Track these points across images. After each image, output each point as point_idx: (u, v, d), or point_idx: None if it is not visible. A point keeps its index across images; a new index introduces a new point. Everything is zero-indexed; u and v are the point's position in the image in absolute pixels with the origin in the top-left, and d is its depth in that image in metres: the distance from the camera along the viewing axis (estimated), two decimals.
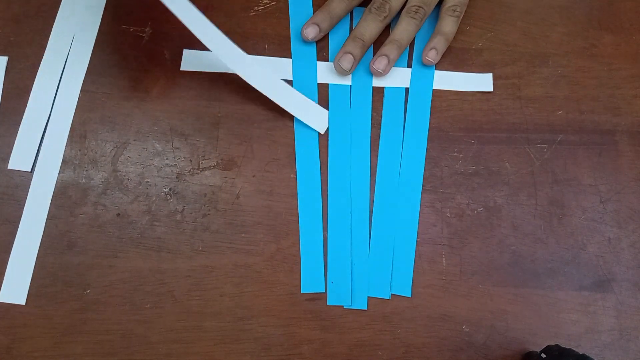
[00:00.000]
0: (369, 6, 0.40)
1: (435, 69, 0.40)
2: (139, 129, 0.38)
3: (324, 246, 0.36)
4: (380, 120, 0.39)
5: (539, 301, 0.35)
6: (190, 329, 0.34)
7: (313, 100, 0.39)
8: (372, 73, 0.39)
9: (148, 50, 0.40)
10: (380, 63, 0.39)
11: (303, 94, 0.38)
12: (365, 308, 0.34)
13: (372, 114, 0.39)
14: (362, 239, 0.36)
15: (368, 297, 0.35)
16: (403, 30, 0.39)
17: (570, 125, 0.39)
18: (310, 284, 0.35)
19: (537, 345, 0.34)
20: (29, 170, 0.37)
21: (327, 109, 0.39)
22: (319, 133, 0.38)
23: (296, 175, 0.37)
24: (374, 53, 0.40)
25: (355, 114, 0.39)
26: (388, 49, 0.39)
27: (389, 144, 0.38)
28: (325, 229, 0.36)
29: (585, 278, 0.36)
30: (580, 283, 0.35)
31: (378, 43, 0.40)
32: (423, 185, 0.37)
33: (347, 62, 0.38)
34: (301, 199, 0.36)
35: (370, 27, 0.39)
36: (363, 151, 0.38)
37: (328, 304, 0.34)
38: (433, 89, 0.40)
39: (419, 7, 0.39)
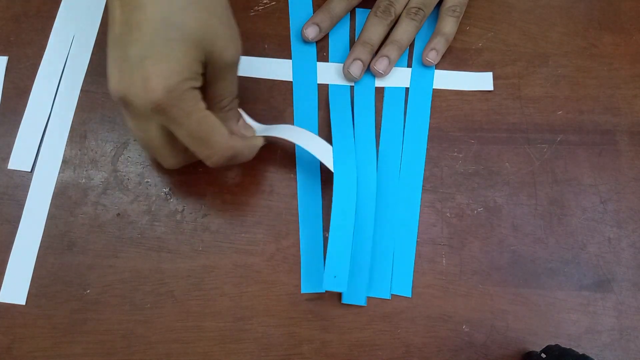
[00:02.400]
0: (374, 10, 0.40)
1: (435, 69, 0.40)
2: None
3: (324, 246, 0.35)
4: (380, 120, 0.39)
5: (539, 301, 0.35)
6: (190, 329, 0.34)
7: (313, 100, 0.39)
8: (372, 74, 0.39)
9: None
10: (381, 64, 0.39)
11: (303, 94, 0.38)
12: (364, 304, 0.34)
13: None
14: (363, 239, 0.36)
15: (368, 297, 0.35)
16: (403, 31, 0.39)
17: (570, 125, 0.39)
18: (310, 284, 0.35)
19: (537, 345, 0.34)
20: (29, 170, 0.37)
21: (328, 109, 0.39)
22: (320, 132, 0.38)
23: (296, 175, 0.37)
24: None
25: (358, 115, 0.38)
26: (389, 49, 0.39)
27: (389, 144, 0.38)
28: (326, 229, 0.36)
29: (585, 278, 0.36)
30: (580, 283, 0.35)
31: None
32: (423, 185, 0.37)
33: (356, 68, 0.38)
34: (301, 199, 0.36)
35: (377, 31, 0.39)
36: (366, 151, 0.38)
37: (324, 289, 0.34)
38: (433, 89, 0.40)
39: (419, 8, 0.39)
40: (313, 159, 0.37)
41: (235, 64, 0.31)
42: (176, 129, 0.29)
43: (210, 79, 0.30)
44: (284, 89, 0.39)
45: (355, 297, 0.34)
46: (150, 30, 0.26)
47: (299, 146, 0.37)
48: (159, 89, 0.26)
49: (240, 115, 0.35)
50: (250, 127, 0.35)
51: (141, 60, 0.26)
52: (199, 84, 0.29)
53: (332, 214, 0.34)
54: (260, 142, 0.34)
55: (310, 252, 0.35)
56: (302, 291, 0.35)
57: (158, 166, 0.37)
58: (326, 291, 0.35)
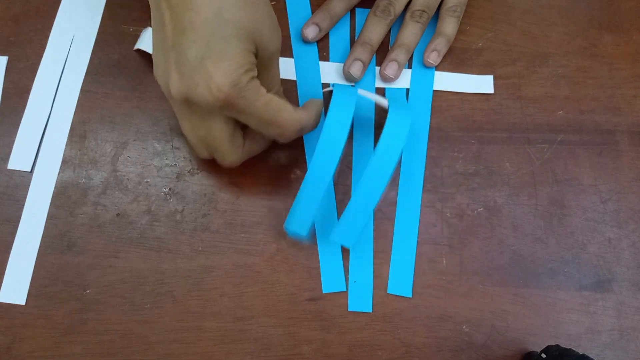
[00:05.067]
0: (373, 9, 0.40)
1: (436, 70, 0.40)
2: (139, 128, 0.38)
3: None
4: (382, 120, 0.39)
5: (539, 301, 0.35)
6: (190, 329, 0.34)
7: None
8: (382, 79, 0.39)
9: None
10: (391, 68, 0.39)
11: (308, 94, 0.38)
12: (370, 310, 0.34)
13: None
14: (365, 239, 0.36)
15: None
16: (410, 34, 0.39)
17: (571, 125, 0.39)
18: (331, 283, 0.35)
19: (537, 345, 0.34)
20: (29, 170, 0.37)
21: (329, 109, 0.38)
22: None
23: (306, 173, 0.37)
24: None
25: (359, 115, 0.38)
26: (397, 53, 0.39)
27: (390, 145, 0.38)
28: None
29: (586, 278, 0.36)
30: (581, 283, 0.35)
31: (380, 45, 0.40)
32: (423, 185, 0.37)
33: (357, 68, 0.38)
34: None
35: (376, 31, 0.39)
36: (366, 151, 0.38)
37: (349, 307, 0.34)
38: (433, 90, 0.40)
39: (423, 11, 0.39)
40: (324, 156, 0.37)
41: (279, 52, 0.32)
42: (245, 118, 0.30)
43: (260, 70, 0.30)
44: (288, 87, 0.39)
45: (361, 304, 0.35)
46: (206, 30, 0.27)
47: (307, 144, 0.37)
48: (225, 86, 0.27)
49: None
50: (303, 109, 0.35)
51: (202, 60, 0.27)
52: (256, 73, 0.29)
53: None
54: (320, 105, 0.34)
55: (328, 251, 0.35)
56: (324, 291, 0.35)
57: (205, 166, 0.37)
58: (327, 292, 0.35)
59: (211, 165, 0.37)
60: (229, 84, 0.27)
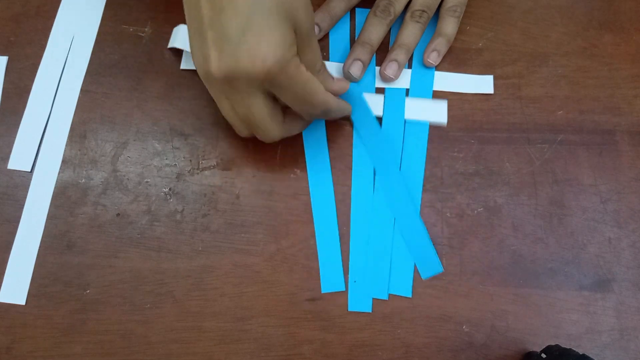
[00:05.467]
0: (373, 9, 0.40)
1: (436, 70, 0.40)
2: (139, 128, 0.38)
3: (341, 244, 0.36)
4: (381, 121, 0.39)
5: (539, 301, 0.35)
6: (190, 329, 0.34)
7: None
8: (382, 79, 0.39)
9: (148, 50, 0.40)
10: (390, 68, 0.39)
11: None
12: (370, 310, 0.34)
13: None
14: (363, 240, 0.36)
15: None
16: (410, 34, 0.39)
17: (571, 125, 0.39)
18: (330, 283, 0.35)
19: (537, 345, 0.34)
20: (29, 170, 0.37)
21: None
22: (326, 133, 0.38)
23: (307, 175, 0.37)
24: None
25: (358, 115, 0.38)
26: (397, 53, 0.39)
27: (389, 145, 0.38)
28: (342, 225, 0.36)
29: (586, 278, 0.36)
30: (581, 283, 0.35)
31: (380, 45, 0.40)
32: (423, 185, 0.37)
33: (356, 69, 0.38)
34: (314, 198, 0.36)
35: (376, 31, 0.39)
36: (365, 151, 0.38)
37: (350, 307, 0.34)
38: (433, 90, 0.40)
39: (423, 11, 0.39)
40: (323, 158, 0.37)
41: (314, 27, 0.32)
42: (283, 93, 0.31)
43: (301, 47, 0.31)
44: None
45: (361, 304, 0.35)
46: (246, 6, 0.27)
47: (307, 147, 0.38)
48: (269, 59, 0.28)
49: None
50: (344, 79, 0.36)
51: (243, 34, 0.27)
52: (296, 50, 0.30)
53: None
54: (349, 109, 0.36)
55: (327, 251, 0.35)
56: (323, 291, 0.35)
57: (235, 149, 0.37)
58: (326, 292, 0.35)
59: (211, 164, 0.37)
60: (272, 57, 0.28)
